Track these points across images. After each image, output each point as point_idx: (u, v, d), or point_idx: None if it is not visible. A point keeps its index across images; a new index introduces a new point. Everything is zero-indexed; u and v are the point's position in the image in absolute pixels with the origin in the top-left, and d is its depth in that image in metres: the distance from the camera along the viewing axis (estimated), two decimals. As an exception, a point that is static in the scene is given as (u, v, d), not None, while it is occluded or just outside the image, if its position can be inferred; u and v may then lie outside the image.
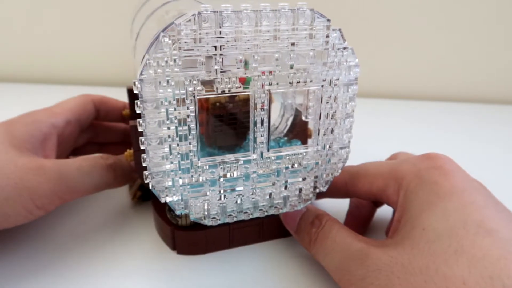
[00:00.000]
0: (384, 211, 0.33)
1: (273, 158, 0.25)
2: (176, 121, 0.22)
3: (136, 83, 0.21)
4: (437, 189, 0.22)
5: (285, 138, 0.32)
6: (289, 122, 0.33)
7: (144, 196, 0.35)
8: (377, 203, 0.32)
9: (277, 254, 0.30)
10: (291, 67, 0.23)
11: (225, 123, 0.27)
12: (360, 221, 0.32)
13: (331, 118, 0.25)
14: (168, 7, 0.31)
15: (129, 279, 0.27)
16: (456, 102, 0.66)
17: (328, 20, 0.23)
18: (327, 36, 0.23)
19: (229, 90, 0.23)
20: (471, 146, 0.50)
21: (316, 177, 0.27)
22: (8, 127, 0.29)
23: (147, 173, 0.23)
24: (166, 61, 0.21)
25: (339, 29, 0.23)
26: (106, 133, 0.38)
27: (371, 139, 0.49)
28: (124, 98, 0.38)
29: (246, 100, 0.24)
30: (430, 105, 0.65)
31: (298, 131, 0.32)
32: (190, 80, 0.22)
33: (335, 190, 0.30)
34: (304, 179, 0.27)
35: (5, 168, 0.25)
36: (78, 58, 0.70)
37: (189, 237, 0.28)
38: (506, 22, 0.62)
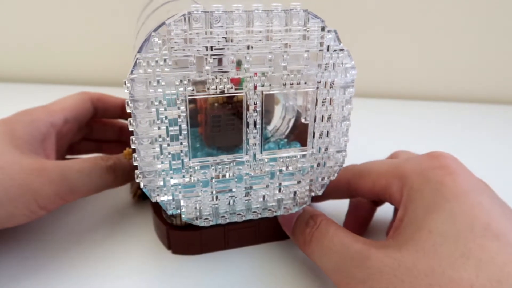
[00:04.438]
0: (385, 211, 0.32)
1: (266, 160, 0.25)
2: (166, 121, 0.22)
3: (127, 82, 0.21)
4: (443, 189, 0.22)
5: (285, 140, 0.31)
6: (291, 124, 0.32)
7: (145, 195, 0.35)
8: (378, 202, 0.32)
9: (274, 257, 0.29)
10: (285, 69, 0.23)
11: (223, 124, 0.27)
12: (360, 222, 0.32)
13: (327, 121, 0.25)
14: (169, 6, 0.31)
15: (126, 277, 0.27)
16: (456, 102, 0.66)
17: (323, 21, 0.22)
18: (322, 37, 0.23)
19: (222, 91, 0.22)
20: (471, 147, 0.49)
21: (311, 180, 0.27)
22: (8, 127, 0.29)
23: (138, 172, 0.23)
24: (157, 61, 0.21)
25: (335, 30, 0.23)
26: (102, 130, 0.38)
27: (371, 139, 0.48)
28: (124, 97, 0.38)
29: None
30: (430, 105, 0.64)
31: (299, 133, 0.31)
32: (181, 80, 0.22)
33: (337, 190, 0.29)
34: (299, 182, 0.26)
35: (10, 169, 0.25)
36: (79, 58, 0.69)
37: (184, 237, 0.28)
38: (506, 22, 0.61)
